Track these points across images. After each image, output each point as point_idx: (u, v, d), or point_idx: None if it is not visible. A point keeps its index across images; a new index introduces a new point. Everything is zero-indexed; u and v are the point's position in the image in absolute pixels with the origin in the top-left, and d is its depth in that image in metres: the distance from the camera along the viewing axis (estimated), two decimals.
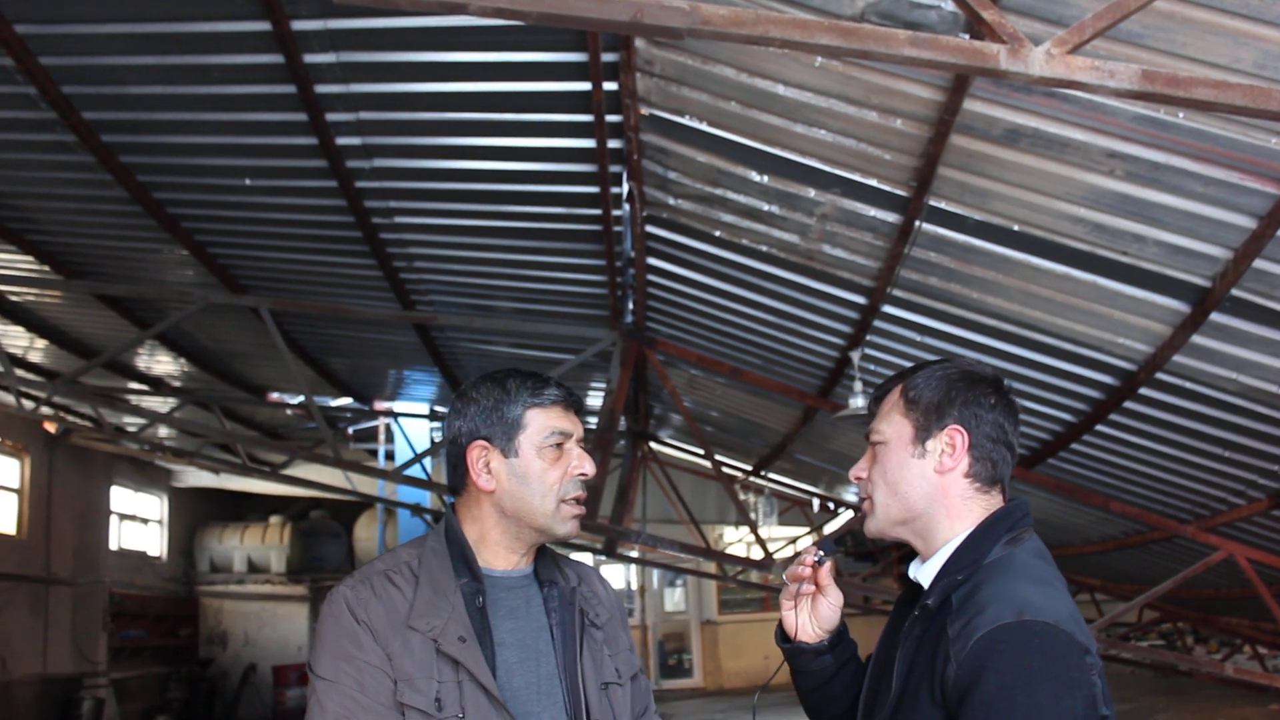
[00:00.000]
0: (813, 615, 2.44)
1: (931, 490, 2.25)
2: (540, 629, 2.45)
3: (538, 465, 2.45)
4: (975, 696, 1.97)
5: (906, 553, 2.38)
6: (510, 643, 2.39)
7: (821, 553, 2.41)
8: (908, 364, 2.43)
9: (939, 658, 2.06)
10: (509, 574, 2.48)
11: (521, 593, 2.48)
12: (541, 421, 2.46)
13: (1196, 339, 5.98)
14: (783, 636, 2.49)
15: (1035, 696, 1.93)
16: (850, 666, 2.48)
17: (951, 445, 2.24)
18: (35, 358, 12.89)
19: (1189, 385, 6.49)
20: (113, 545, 18.54)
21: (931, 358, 2.47)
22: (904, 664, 2.15)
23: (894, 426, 2.30)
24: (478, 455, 2.45)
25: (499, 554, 2.47)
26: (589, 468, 2.51)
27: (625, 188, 6.93)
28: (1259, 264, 5.24)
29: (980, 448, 2.24)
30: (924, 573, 2.26)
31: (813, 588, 2.42)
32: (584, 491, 2.52)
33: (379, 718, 2.25)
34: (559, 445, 2.47)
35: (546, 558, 2.57)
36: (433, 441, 16.31)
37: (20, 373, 12.71)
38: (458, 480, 2.51)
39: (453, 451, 2.50)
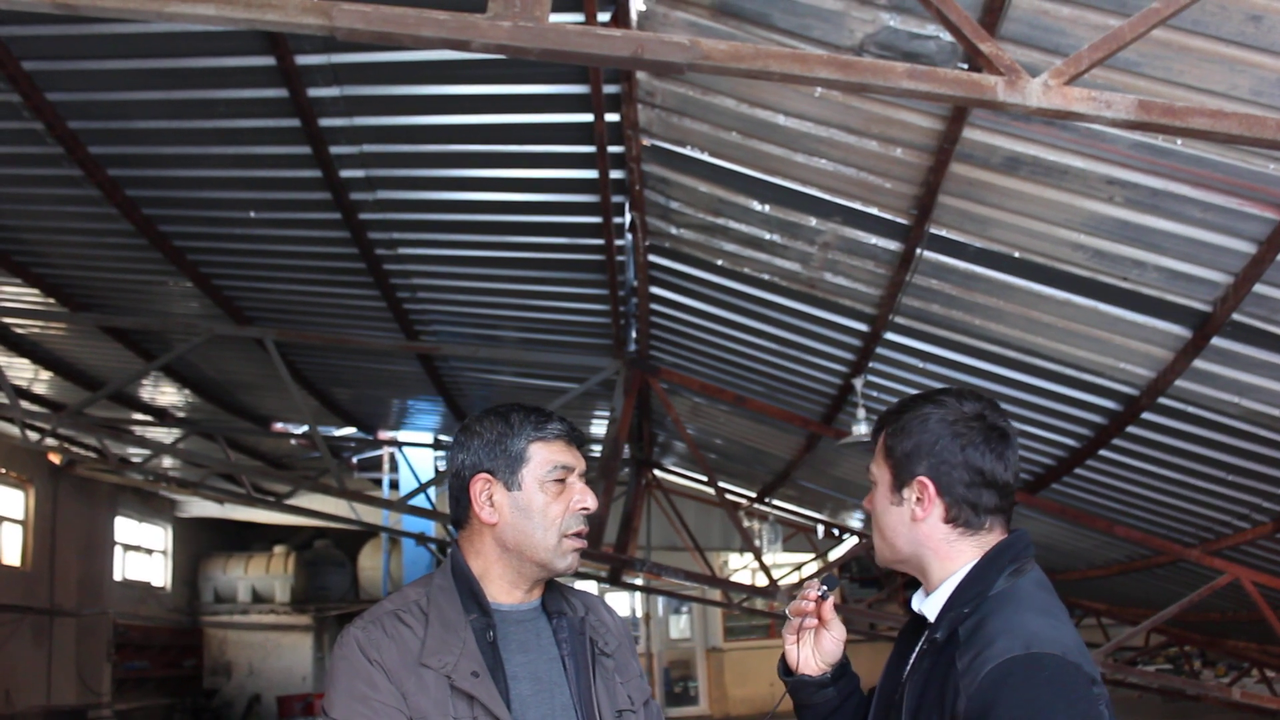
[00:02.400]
0: (816, 648, 2.45)
1: (913, 536, 2.28)
2: (552, 661, 2.47)
3: (540, 499, 2.47)
4: None
5: (912, 579, 2.39)
6: (523, 676, 2.41)
7: (825, 587, 2.43)
8: (911, 391, 2.44)
9: (949, 691, 2.06)
10: (517, 608, 2.50)
11: (531, 625, 2.50)
12: (544, 455, 2.49)
13: (1198, 364, 5.99)
14: (785, 670, 2.50)
15: None
16: (853, 700, 2.49)
17: (921, 496, 2.25)
18: (40, 389, 12.91)
19: (1191, 410, 6.50)
20: (117, 576, 18.54)
21: (934, 385, 2.48)
22: (913, 698, 2.16)
23: (879, 470, 2.34)
24: (481, 488, 2.47)
25: (504, 588, 2.49)
26: (591, 502, 2.53)
27: (627, 218, 6.97)
28: (1259, 289, 5.25)
29: (952, 494, 2.24)
30: (929, 606, 2.26)
31: (815, 621, 2.44)
32: (586, 526, 2.53)
33: None
34: (561, 480, 2.49)
35: (554, 589, 2.59)
36: (437, 471, 16.32)
37: (25, 404, 12.71)
38: (460, 513, 2.52)
39: (455, 484, 2.52)
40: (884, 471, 2.31)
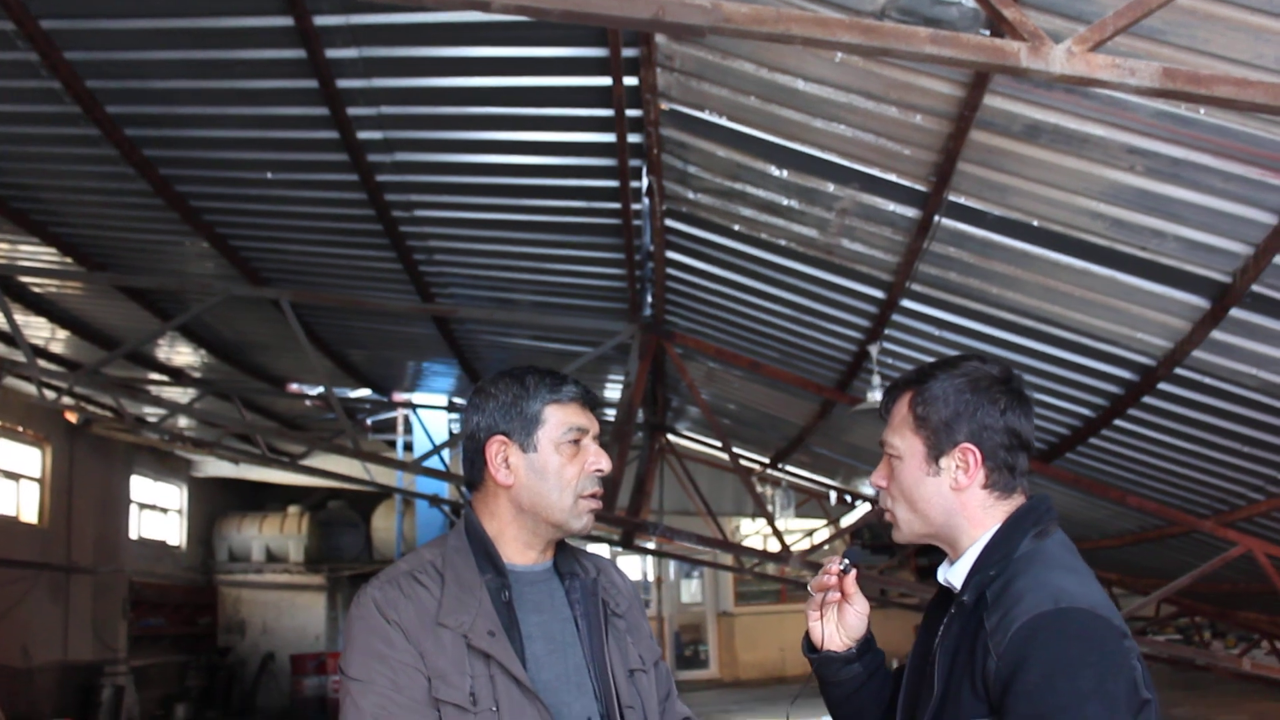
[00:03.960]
0: (840, 624, 2.45)
1: (950, 505, 2.26)
2: (565, 621, 2.49)
3: (555, 461, 2.48)
4: (1018, 686, 1.99)
5: (924, 546, 2.38)
6: (537, 636, 2.43)
7: (847, 561, 2.42)
8: (926, 358, 2.43)
9: (979, 652, 2.07)
10: (531, 569, 2.52)
11: (544, 586, 2.52)
12: (560, 418, 2.50)
13: (1216, 334, 5.97)
14: (809, 647, 2.49)
15: (1077, 683, 1.96)
16: (879, 675, 2.48)
17: (965, 463, 2.24)
18: (57, 349, 12.97)
19: (1208, 381, 6.48)
20: (133, 534, 18.67)
21: (949, 353, 2.47)
22: (944, 663, 2.16)
23: (906, 443, 2.30)
24: (496, 450, 2.49)
25: (518, 549, 2.51)
26: (605, 464, 2.54)
27: (645, 182, 6.95)
28: (1279, 260, 5.23)
29: (995, 458, 2.24)
30: (955, 574, 2.27)
31: (839, 596, 2.43)
32: (600, 488, 2.55)
33: (415, 714, 2.28)
34: (576, 441, 2.51)
35: (566, 551, 2.60)
36: (451, 433, 16.35)
37: (42, 363, 12.78)
38: (475, 475, 2.54)
39: (470, 446, 2.53)
40: (915, 443, 2.28)
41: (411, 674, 2.30)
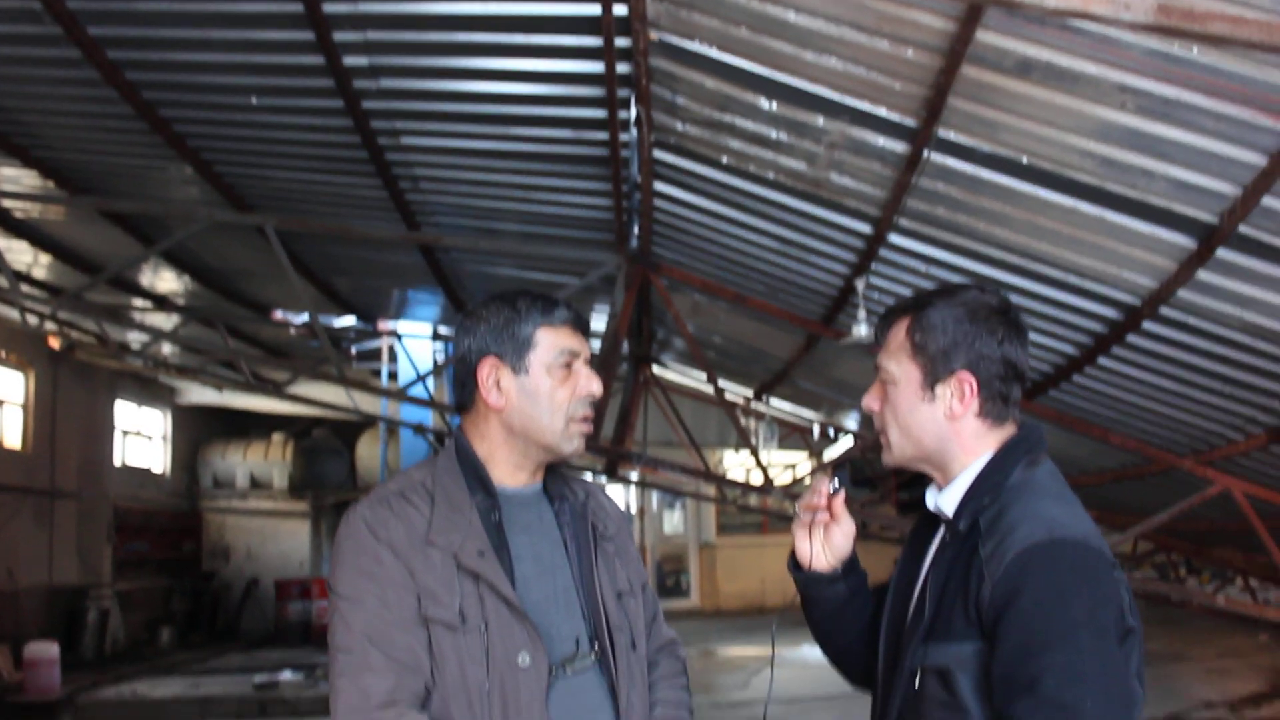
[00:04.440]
0: (826, 544, 2.48)
1: (944, 432, 2.29)
2: (554, 543, 2.51)
3: (547, 384, 2.48)
4: (1012, 614, 2.04)
5: (906, 480, 2.41)
6: (526, 557, 2.45)
7: (836, 482, 2.44)
8: (912, 293, 2.42)
9: (973, 578, 2.12)
10: (521, 491, 2.53)
11: (534, 508, 2.53)
12: (551, 341, 2.50)
13: (1202, 275, 5.97)
14: (795, 565, 2.53)
15: (1070, 611, 2.01)
16: (862, 595, 2.53)
17: (961, 392, 2.27)
18: (40, 274, 12.89)
19: (1192, 321, 6.49)
20: (117, 460, 18.73)
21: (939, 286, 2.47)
22: (936, 587, 2.20)
23: (902, 369, 2.31)
24: (488, 372, 2.49)
25: (508, 471, 2.52)
26: (596, 387, 2.55)
27: (633, 112, 6.89)
28: (1268, 201, 5.21)
29: (990, 388, 2.27)
30: (945, 500, 2.30)
31: (827, 516, 2.46)
32: (591, 411, 2.56)
33: (405, 631, 2.30)
34: (568, 365, 2.51)
35: (555, 474, 2.62)
36: (435, 362, 16.35)
37: (25, 288, 12.72)
38: (466, 397, 2.54)
39: (462, 369, 2.53)
40: (912, 369, 2.30)
41: (401, 592, 2.31)
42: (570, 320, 2.54)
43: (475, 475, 2.47)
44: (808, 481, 17.10)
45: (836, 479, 2.45)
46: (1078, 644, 2.00)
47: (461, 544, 2.35)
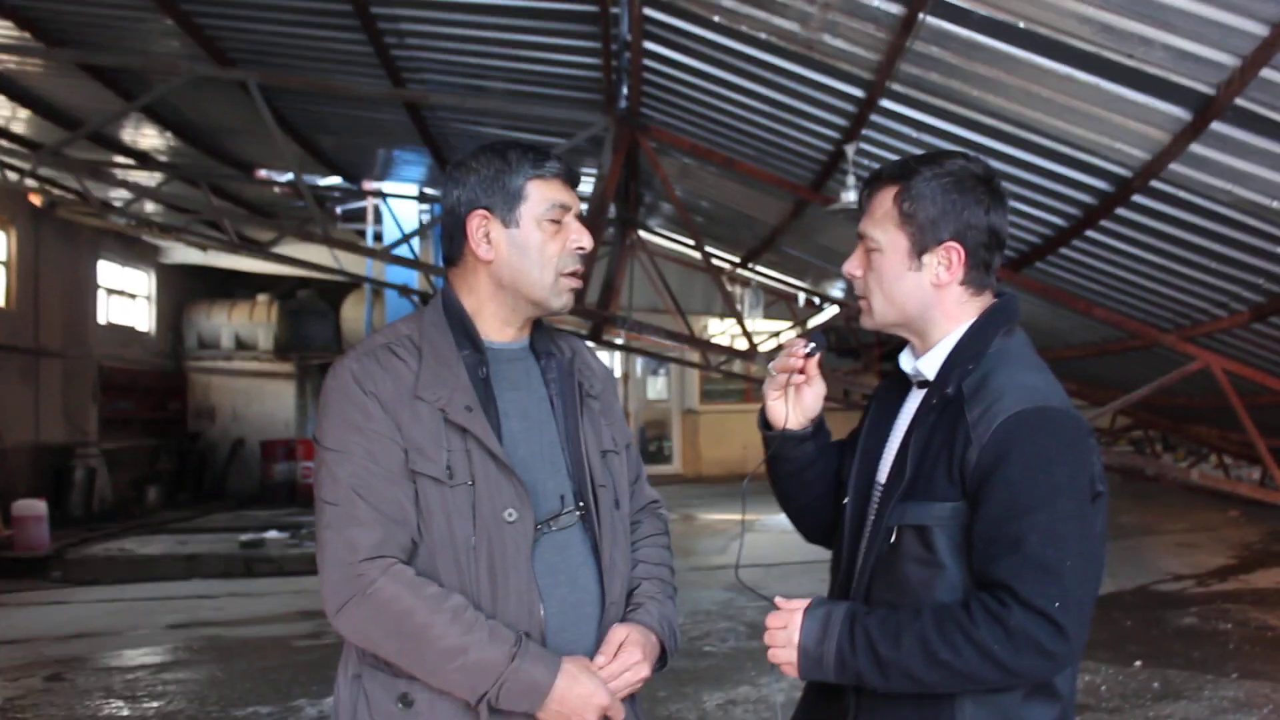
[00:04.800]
0: (797, 404, 2.50)
1: (928, 299, 2.31)
2: (540, 399, 2.51)
3: (537, 237, 2.45)
4: (998, 476, 2.11)
5: (889, 350, 2.43)
6: (513, 413, 2.44)
7: (813, 344, 2.46)
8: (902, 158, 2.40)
9: (958, 441, 2.17)
10: (508, 346, 2.52)
11: (521, 364, 2.52)
12: (542, 193, 2.46)
13: (1195, 148, 5.91)
14: (765, 424, 2.55)
15: (1053, 476, 2.10)
16: (827, 454, 2.57)
17: (948, 260, 2.29)
18: (18, 129, 12.68)
19: (1182, 195, 6.46)
20: (101, 319, 18.66)
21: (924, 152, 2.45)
22: (918, 447, 2.24)
23: (889, 236, 2.31)
24: (477, 224, 2.45)
25: (496, 326, 2.50)
26: (587, 241, 2.52)
27: None
28: (1267, 73, 5.13)
29: (975, 256, 2.29)
30: (925, 364, 2.33)
31: (802, 378, 2.48)
32: (581, 265, 2.53)
33: (392, 484, 2.30)
34: (558, 219, 2.48)
35: (542, 330, 2.60)
36: (421, 223, 16.24)
37: (3, 143, 12.53)
38: (454, 250, 2.51)
39: (450, 221, 2.49)
40: (899, 237, 2.30)
41: (388, 445, 2.31)
42: (561, 173, 2.50)
43: (463, 330, 2.45)
44: (785, 342, 17.19)
45: (813, 341, 2.47)
46: (1059, 507, 2.09)
47: (449, 399, 2.34)
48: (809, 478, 2.56)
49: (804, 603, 2.27)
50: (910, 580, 2.21)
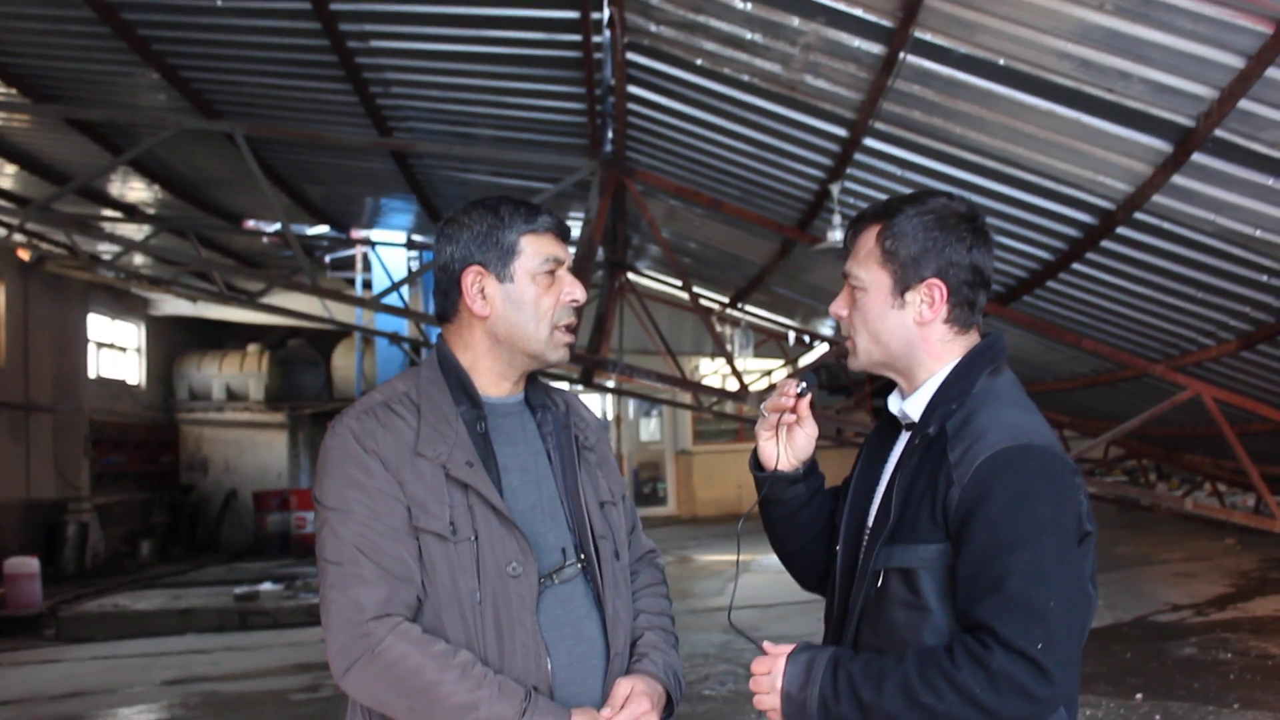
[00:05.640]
0: (789, 445, 2.50)
1: (911, 338, 2.30)
2: (538, 453, 2.51)
3: (532, 291, 2.46)
4: (980, 516, 2.08)
5: (880, 387, 2.43)
6: (512, 467, 2.44)
7: (804, 384, 2.45)
8: (887, 198, 2.41)
9: (940, 482, 2.15)
10: (504, 401, 2.52)
11: (517, 419, 2.52)
12: (536, 248, 2.47)
13: (1177, 179, 5.96)
14: (757, 465, 2.55)
15: (1036, 515, 2.07)
16: (819, 497, 2.55)
17: (930, 298, 2.28)
18: (5, 184, 12.71)
19: (1166, 226, 6.50)
20: (91, 373, 18.63)
21: (910, 192, 2.46)
22: (902, 490, 2.22)
23: (872, 275, 2.31)
24: (472, 280, 2.46)
25: (492, 381, 2.50)
26: (580, 294, 2.53)
27: (606, 13, 6.80)
28: (1244, 104, 5.19)
29: (958, 295, 2.28)
30: (911, 405, 2.32)
31: (793, 418, 2.48)
32: (575, 319, 2.54)
33: (396, 542, 2.29)
34: (552, 272, 2.49)
35: (536, 384, 2.61)
36: (410, 270, 16.27)
37: None
38: (449, 306, 2.51)
39: (444, 277, 2.50)
40: (882, 276, 2.30)
41: (390, 503, 2.31)
42: (553, 227, 2.51)
43: (460, 385, 2.46)
44: (777, 385, 17.18)
45: (804, 381, 2.46)
46: (1042, 546, 2.05)
47: (450, 455, 2.34)
48: (802, 520, 2.55)
49: (789, 648, 2.24)
50: (897, 624, 2.19)
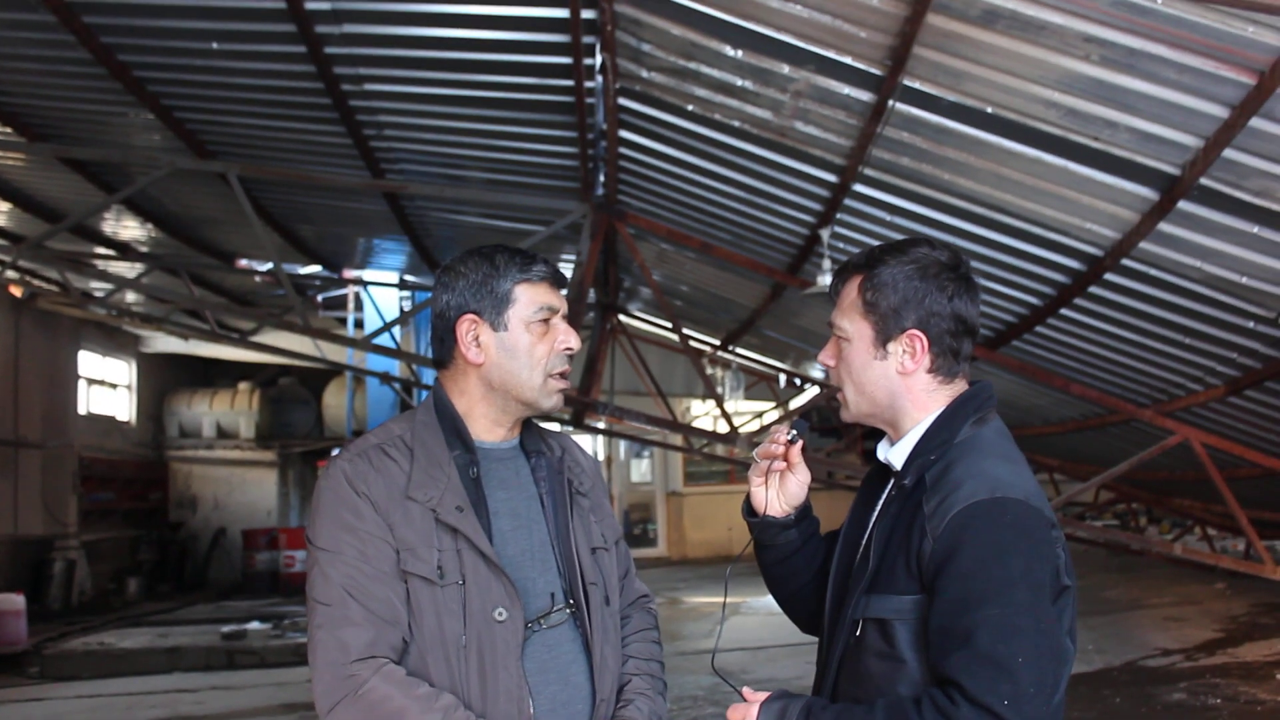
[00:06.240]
0: (780, 491, 2.51)
1: (895, 388, 2.31)
2: (530, 498, 2.53)
3: (526, 339, 2.50)
4: (951, 568, 2.08)
5: (871, 429, 2.44)
6: (503, 512, 2.47)
7: (794, 431, 2.47)
8: (876, 242, 2.43)
9: (915, 533, 2.15)
10: (498, 446, 2.55)
11: (511, 464, 2.55)
12: (530, 296, 2.51)
13: (1163, 226, 6.02)
14: (750, 511, 2.56)
15: (1008, 568, 2.05)
16: (813, 542, 2.56)
17: (912, 349, 2.28)
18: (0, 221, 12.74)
19: (1154, 272, 6.55)
20: (81, 409, 18.58)
21: (899, 238, 2.48)
22: (881, 539, 2.23)
23: (855, 326, 2.33)
24: (467, 328, 2.49)
25: (486, 426, 2.53)
26: (574, 342, 2.56)
27: (598, 59, 6.86)
28: (1229, 153, 5.25)
29: (941, 344, 2.28)
30: (895, 454, 2.33)
31: (784, 465, 2.49)
32: (569, 366, 2.58)
33: (384, 584, 2.32)
34: (546, 320, 2.52)
35: (531, 429, 2.63)
36: (401, 310, 16.28)
37: None
38: (445, 353, 2.55)
39: (440, 325, 2.54)
40: (864, 327, 2.31)
41: (380, 545, 2.33)
42: (548, 276, 2.54)
43: (454, 430, 2.49)
44: (769, 426, 17.17)
45: (795, 428, 2.48)
46: (1013, 600, 2.04)
47: (440, 499, 2.37)
48: (796, 565, 2.56)
49: (764, 696, 2.24)
50: (873, 674, 2.19)
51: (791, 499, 2.51)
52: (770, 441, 2.49)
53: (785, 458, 2.48)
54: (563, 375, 2.55)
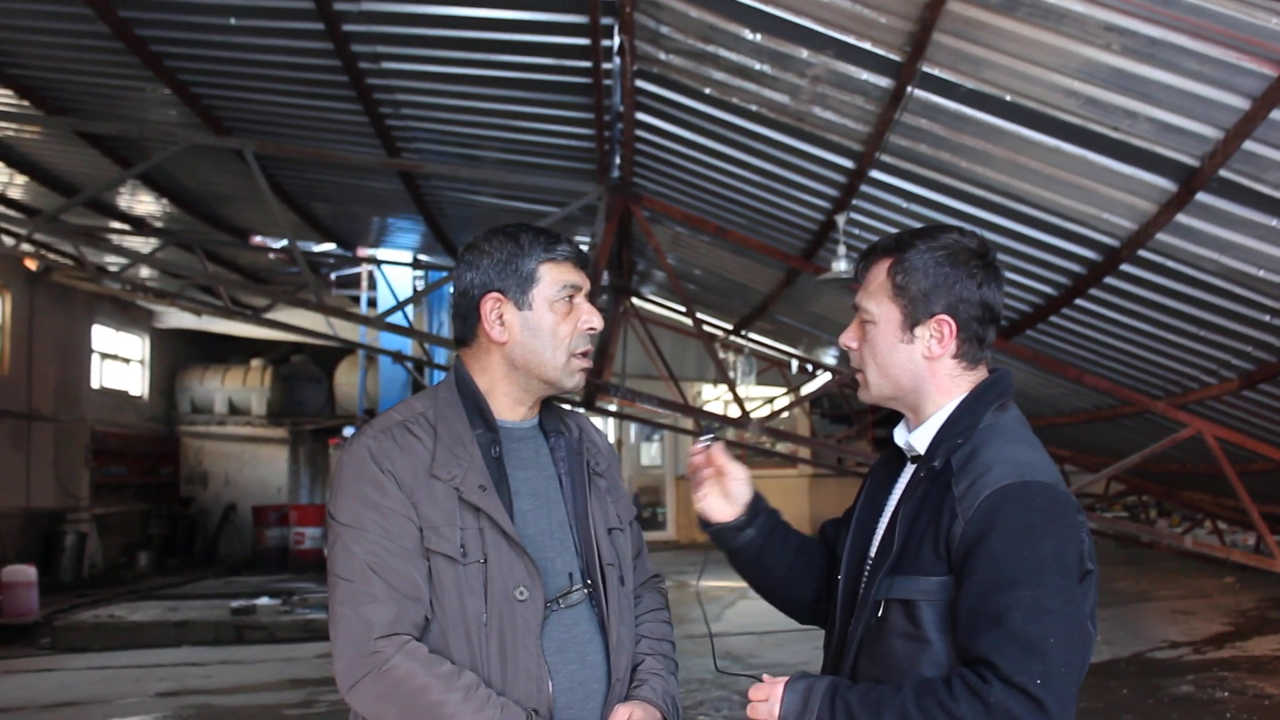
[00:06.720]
0: (725, 495, 2.58)
1: (920, 372, 2.33)
2: (549, 478, 2.54)
3: (550, 319, 2.50)
4: (982, 551, 2.10)
5: (882, 417, 2.46)
6: (524, 491, 2.48)
7: (706, 437, 2.55)
8: (892, 230, 2.44)
9: (944, 515, 2.17)
10: (519, 425, 2.56)
11: (531, 443, 2.56)
12: (554, 276, 2.51)
13: (1181, 218, 5.98)
14: (705, 522, 2.62)
15: (1038, 551, 2.08)
16: (777, 535, 2.61)
17: (939, 334, 2.30)
18: (15, 194, 12.75)
19: (1170, 264, 6.52)
20: (94, 384, 18.65)
21: (916, 226, 2.49)
22: (905, 522, 2.25)
23: (882, 309, 2.34)
24: (491, 307, 2.50)
25: (508, 405, 2.54)
26: (598, 322, 2.57)
27: (616, 41, 6.84)
28: (1249, 145, 5.22)
29: (968, 330, 2.31)
30: (917, 438, 2.34)
31: (712, 470, 2.54)
32: (591, 346, 2.58)
33: (407, 561, 2.33)
34: (570, 299, 2.53)
35: (550, 409, 2.64)
36: (415, 289, 16.30)
37: (0, 209, 12.59)
38: (467, 332, 2.55)
39: (463, 303, 2.54)
40: (892, 310, 2.33)
41: (403, 523, 2.34)
42: (572, 256, 2.55)
43: (476, 409, 2.49)
44: (784, 415, 17.13)
45: (706, 433, 2.57)
46: (1044, 582, 2.06)
47: (464, 478, 2.38)
48: (768, 562, 2.61)
49: (784, 678, 2.26)
50: (896, 655, 2.20)
51: (737, 500, 2.57)
52: (691, 454, 2.57)
53: (711, 464, 2.53)
54: (585, 355, 2.56)
